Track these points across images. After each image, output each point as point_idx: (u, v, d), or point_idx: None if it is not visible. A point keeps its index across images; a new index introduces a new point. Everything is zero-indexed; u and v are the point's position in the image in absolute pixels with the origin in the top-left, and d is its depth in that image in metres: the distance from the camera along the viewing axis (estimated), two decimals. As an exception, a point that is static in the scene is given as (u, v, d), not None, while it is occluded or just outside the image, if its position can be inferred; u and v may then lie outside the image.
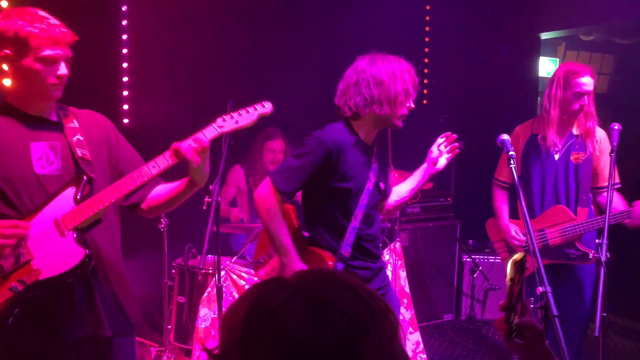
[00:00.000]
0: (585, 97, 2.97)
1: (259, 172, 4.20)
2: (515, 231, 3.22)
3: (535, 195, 3.13)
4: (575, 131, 3.06)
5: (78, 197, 1.88)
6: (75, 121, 2.02)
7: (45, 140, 1.91)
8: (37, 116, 1.94)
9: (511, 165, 2.32)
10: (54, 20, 1.91)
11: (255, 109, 2.01)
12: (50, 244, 1.82)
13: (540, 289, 2.04)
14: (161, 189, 2.12)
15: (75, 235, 1.86)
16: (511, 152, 2.34)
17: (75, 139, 1.96)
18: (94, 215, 1.88)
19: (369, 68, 2.34)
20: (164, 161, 1.91)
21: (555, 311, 1.98)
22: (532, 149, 3.14)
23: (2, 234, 1.76)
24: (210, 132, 1.91)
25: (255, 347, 0.80)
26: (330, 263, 2.28)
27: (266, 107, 2.02)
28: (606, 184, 3.00)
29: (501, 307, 1.19)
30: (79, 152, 1.93)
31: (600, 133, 3.07)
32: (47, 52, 1.85)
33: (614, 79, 6.33)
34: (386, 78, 2.31)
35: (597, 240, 2.56)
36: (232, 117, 1.97)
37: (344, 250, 2.30)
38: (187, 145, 1.87)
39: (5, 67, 1.89)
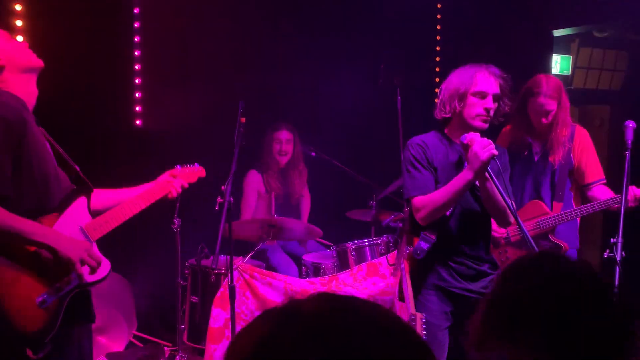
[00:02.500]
0: (547, 114, 3.10)
1: (272, 167, 4.23)
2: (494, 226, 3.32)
3: (515, 195, 3.26)
4: (554, 135, 3.17)
5: (90, 208, 2.05)
6: None
7: (44, 137, 2.02)
8: (32, 112, 2.02)
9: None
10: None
11: (197, 170, 2.61)
12: None
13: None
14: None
15: (95, 245, 2.04)
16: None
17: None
18: (113, 229, 2.10)
19: (449, 76, 2.51)
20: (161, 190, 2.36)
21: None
22: (514, 152, 3.25)
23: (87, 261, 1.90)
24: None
25: None
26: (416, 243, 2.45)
27: (201, 172, 2.63)
28: (594, 180, 3.17)
29: None
30: (59, 149, 2.07)
31: (580, 132, 3.21)
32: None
33: (628, 76, 6.26)
34: (454, 79, 2.45)
35: (612, 240, 2.53)
36: (183, 171, 2.51)
37: (429, 231, 2.43)
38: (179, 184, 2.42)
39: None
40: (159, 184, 2.37)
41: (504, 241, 3.29)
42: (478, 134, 2.35)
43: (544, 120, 3.14)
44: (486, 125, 2.45)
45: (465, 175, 2.32)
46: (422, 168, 2.44)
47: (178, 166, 2.55)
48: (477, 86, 2.41)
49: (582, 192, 3.28)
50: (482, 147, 2.25)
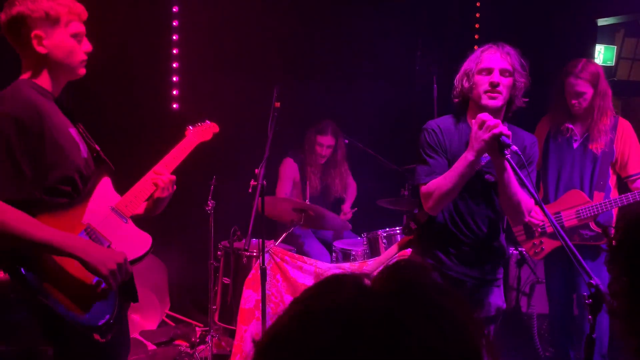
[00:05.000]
0: (579, 96, 3.07)
1: (312, 164, 4.24)
2: (532, 212, 3.25)
3: (551, 181, 3.26)
4: (593, 123, 3.14)
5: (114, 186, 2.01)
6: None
7: (70, 125, 1.93)
8: (58, 99, 1.93)
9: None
10: None
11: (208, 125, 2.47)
12: (118, 230, 1.96)
13: (592, 282, 1.97)
14: None
15: (131, 221, 2.00)
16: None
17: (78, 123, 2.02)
18: (142, 203, 2.05)
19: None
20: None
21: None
22: (553, 137, 3.25)
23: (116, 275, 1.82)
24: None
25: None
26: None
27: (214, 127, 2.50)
28: (637, 172, 3.12)
29: None
30: (90, 139, 2.01)
31: (623, 124, 3.16)
32: (76, 28, 1.88)
33: (675, 67, 6.03)
34: (465, 61, 2.38)
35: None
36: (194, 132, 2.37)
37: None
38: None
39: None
40: (185, 142, 2.28)
41: (540, 231, 3.24)
42: (489, 115, 2.20)
43: (574, 102, 3.09)
44: (496, 102, 2.29)
45: (466, 156, 2.19)
46: (435, 155, 2.35)
47: (190, 127, 2.41)
48: (482, 63, 2.31)
49: (622, 185, 3.23)
50: (485, 127, 2.11)
